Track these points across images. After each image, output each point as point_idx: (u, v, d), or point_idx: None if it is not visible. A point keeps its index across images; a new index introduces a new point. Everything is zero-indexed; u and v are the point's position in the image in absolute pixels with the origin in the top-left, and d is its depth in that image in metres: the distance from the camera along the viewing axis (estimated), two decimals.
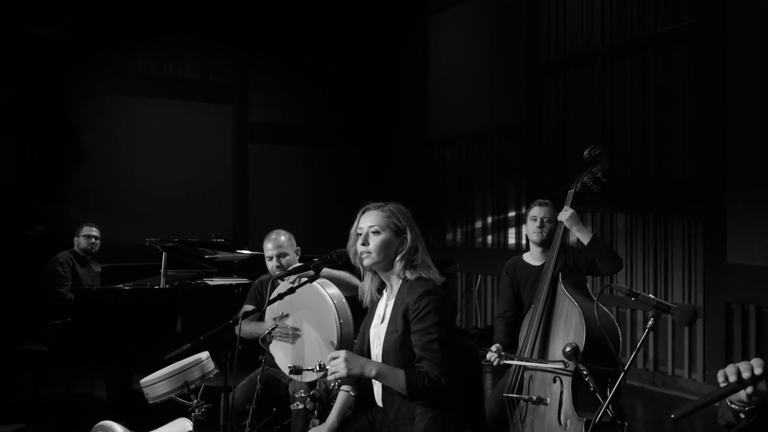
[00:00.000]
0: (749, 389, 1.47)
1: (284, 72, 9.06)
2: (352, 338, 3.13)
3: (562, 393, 3.00)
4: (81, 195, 7.82)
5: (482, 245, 7.79)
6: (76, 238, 5.31)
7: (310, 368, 2.91)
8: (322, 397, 2.94)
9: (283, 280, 3.16)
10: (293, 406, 2.98)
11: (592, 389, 2.73)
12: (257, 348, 3.84)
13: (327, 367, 2.89)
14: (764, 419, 1.57)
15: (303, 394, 2.93)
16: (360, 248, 2.19)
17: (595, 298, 3.32)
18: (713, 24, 5.31)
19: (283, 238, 3.48)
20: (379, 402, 2.20)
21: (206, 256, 5.26)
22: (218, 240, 4.80)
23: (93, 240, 5.29)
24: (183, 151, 8.53)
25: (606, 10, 6.24)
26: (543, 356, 3.13)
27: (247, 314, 2.30)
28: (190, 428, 3.78)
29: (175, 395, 3.59)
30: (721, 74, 5.25)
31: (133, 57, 8.33)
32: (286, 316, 3.27)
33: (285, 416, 3.60)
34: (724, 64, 5.23)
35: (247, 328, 3.62)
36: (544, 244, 3.47)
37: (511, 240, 7.43)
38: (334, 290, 3.19)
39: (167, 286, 4.66)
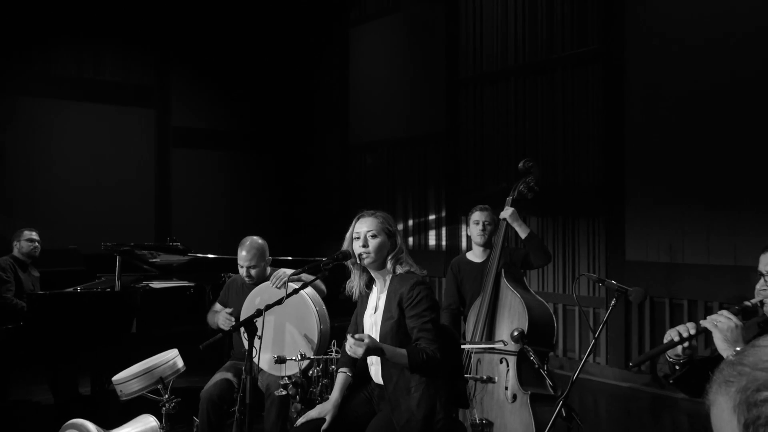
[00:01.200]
0: (686, 344, 1.98)
1: (206, 77, 9.18)
2: (329, 333, 3.49)
3: (508, 372, 3.49)
4: None
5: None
6: (16, 243, 5.28)
7: (292, 358, 3.25)
8: (302, 383, 3.29)
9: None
10: (277, 392, 3.30)
11: (536, 366, 3.23)
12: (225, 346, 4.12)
13: (308, 357, 3.24)
14: (691, 370, 2.10)
15: (286, 381, 3.26)
16: (360, 249, 2.56)
17: (532, 290, 3.87)
18: (613, 50, 6.06)
19: (254, 252, 3.68)
20: (378, 379, 2.57)
21: (150, 260, 5.38)
22: (174, 244, 4.97)
23: (36, 244, 5.29)
24: (104, 154, 8.45)
25: (519, 32, 6.90)
26: (491, 340, 3.61)
27: (255, 315, 2.57)
28: (154, 424, 4.00)
29: (146, 392, 3.81)
30: (620, 94, 6.00)
31: (51, 58, 8.18)
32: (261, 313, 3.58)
33: (259, 406, 3.87)
34: (622, 85, 5.98)
35: (212, 318, 3.91)
36: (486, 245, 3.95)
37: (432, 241, 7.96)
38: (310, 291, 3.54)
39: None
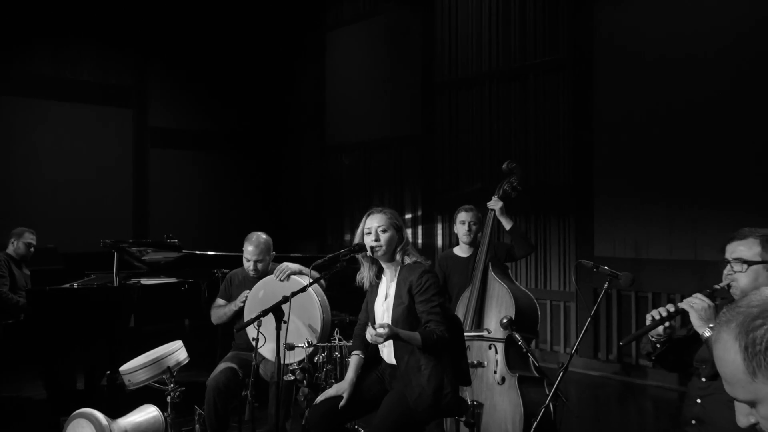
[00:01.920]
0: (666, 323, 2.29)
1: (183, 78, 9.30)
2: (330, 322, 3.73)
3: (496, 356, 3.79)
4: None
5: None
6: (14, 241, 5.40)
7: (301, 345, 3.48)
8: (309, 368, 3.53)
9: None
10: (286, 377, 3.53)
11: (524, 350, 3.54)
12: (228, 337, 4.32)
13: (314, 344, 3.47)
14: (670, 347, 2.41)
15: (295, 367, 3.50)
16: (372, 243, 2.82)
17: (517, 282, 4.18)
18: (582, 58, 6.44)
19: (262, 246, 3.94)
20: (391, 360, 2.83)
21: (142, 258, 5.52)
22: (172, 241, 5.13)
23: (32, 248, 5.44)
24: (82, 153, 8.51)
25: (493, 40, 7.24)
26: (480, 329, 3.90)
27: (282, 301, 2.80)
28: (156, 413, 4.19)
29: (152, 381, 3.99)
30: (588, 100, 6.38)
31: (31, 58, 8.20)
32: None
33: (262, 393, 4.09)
34: (591, 91, 6.37)
35: (215, 314, 4.12)
36: (472, 243, 4.25)
37: None
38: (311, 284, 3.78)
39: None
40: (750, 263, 2.21)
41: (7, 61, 7.96)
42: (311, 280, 2.87)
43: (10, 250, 5.40)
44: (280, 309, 2.78)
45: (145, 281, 5.46)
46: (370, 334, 2.56)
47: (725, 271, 2.36)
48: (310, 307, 3.66)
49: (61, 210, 8.16)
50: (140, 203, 9.03)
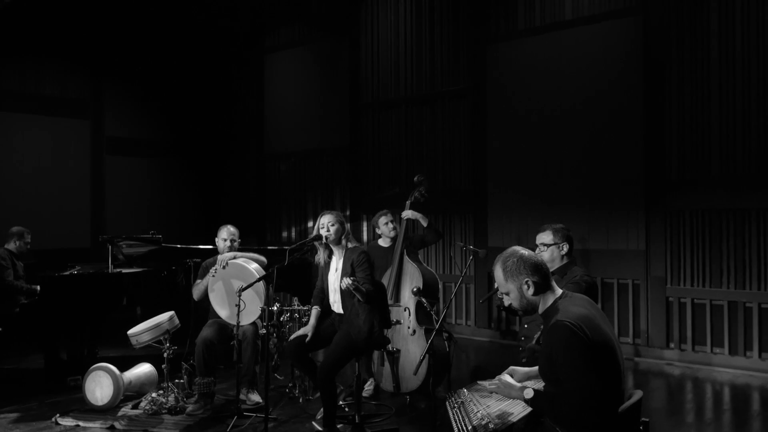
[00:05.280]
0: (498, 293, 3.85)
1: (136, 91, 10.40)
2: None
3: (409, 316, 5.32)
4: None
5: None
6: (16, 240, 6.49)
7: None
8: (276, 324, 4.94)
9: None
10: (261, 331, 4.93)
11: (429, 310, 5.08)
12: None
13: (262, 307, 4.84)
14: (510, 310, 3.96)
15: (268, 324, 4.90)
16: (326, 233, 4.27)
17: (424, 264, 5.72)
18: (478, 89, 8.10)
19: (232, 230, 5.46)
20: (339, 310, 4.29)
21: (123, 251, 6.70)
22: (156, 236, 6.37)
23: (29, 246, 6.56)
24: (45, 161, 9.47)
25: (408, 71, 8.80)
26: (398, 299, 5.41)
27: (258, 280, 4.21)
28: (151, 367, 5.49)
29: (152, 341, 5.28)
30: (483, 122, 8.05)
31: None
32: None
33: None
34: (485, 116, 8.03)
35: (196, 291, 5.44)
36: (393, 238, 5.74)
37: None
38: (255, 265, 5.18)
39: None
40: (548, 245, 3.83)
41: None
42: (265, 266, 4.28)
43: (11, 246, 6.48)
44: (272, 276, 4.18)
45: (126, 270, 6.65)
46: (345, 283, 4.01)
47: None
48: (250, 279, 4.93)
49: (27, 211, 9.09)
50: (97, 205, 10.06)
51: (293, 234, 10.29)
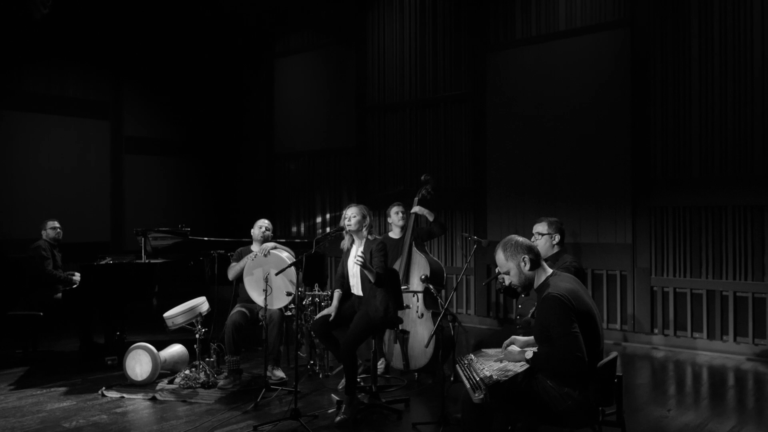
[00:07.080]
0: (499, 277, 4.43)
1: (154, 94, 10.97)
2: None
3: (418, 301, 5.90)
4: None
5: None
6: (44, 231, 7.02)
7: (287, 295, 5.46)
8: (301, 307, 5.52)
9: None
10: (287, 314, 5.51)
11: (435, 295, 5.66)
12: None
13: (291, 293, 5.43)
14: (509, 288, 4.54)
15: (292, 307, 5.48)
16: (346, 223, 4.85)
17: (430, 254, 6.29)
18: (478, 94, 8.68)
19: (267, 223, 6.09)
20: (358, 292, 4.87)
21: (152, 243, 7.26)
22: (185, 229, 6.93)
23: (58, 230, 7.08)
24: (68, 159, 10.02)
25: (413, 76, 9.38)
26: (407, 285, 5.99)
27: (293, 264, 4.81)
28: (182, 348, 6.04)
29: (186, 324, 5.84)
30: (483, 125, 8.64)
31: (24, 77, 9.65)
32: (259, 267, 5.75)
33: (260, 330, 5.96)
34: (484, 119, 8.62)
35: (231, 272, 6.00)
36: (403, 228, 6.32)
37: None
38: (285, 253, 5.77)
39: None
40: (543, 234, 4.42)
41: (5, 81, 9.40)
42: (294, 257, 4.86)
43: (44, 237, 7.02)
44: (301, 262, 4.74)
45: (154, 261, 7.20)
46: (357, 259, 4.58)
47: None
48: (288, 270, 5.59)
49: (51, 208, 9.63)
50: (117, 201, 10.61)
51: (302, 229, 10.87)
